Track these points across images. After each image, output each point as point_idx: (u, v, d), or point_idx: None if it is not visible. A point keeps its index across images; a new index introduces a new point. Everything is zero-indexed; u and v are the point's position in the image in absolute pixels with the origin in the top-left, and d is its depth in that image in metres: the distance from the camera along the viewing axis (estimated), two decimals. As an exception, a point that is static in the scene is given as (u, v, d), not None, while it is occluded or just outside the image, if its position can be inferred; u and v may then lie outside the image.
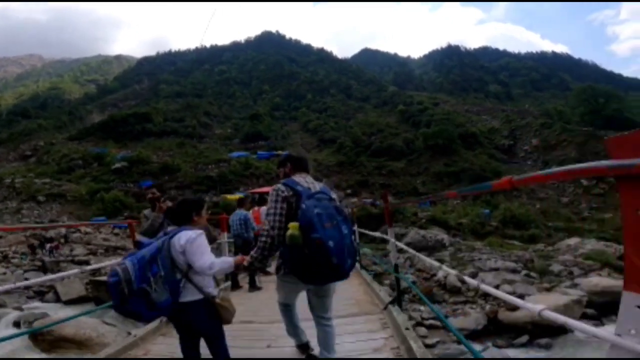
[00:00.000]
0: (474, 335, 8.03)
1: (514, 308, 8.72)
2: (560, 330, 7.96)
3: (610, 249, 14.85)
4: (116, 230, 22.78)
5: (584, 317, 8.74)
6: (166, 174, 32.54)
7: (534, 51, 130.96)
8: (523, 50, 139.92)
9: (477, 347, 7.50)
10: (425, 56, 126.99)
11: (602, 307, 9.24)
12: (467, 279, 2.16)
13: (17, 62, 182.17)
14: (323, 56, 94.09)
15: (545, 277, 11.91)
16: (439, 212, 22.78)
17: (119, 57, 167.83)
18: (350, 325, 3.29)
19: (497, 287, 10.03)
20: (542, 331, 7.94)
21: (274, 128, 49.99)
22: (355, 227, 7.37)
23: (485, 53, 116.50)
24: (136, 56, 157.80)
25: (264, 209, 6.22)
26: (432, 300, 9.91)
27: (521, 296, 9.19)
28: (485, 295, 10.11)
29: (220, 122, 55.02)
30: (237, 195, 18.94)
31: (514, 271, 12.04)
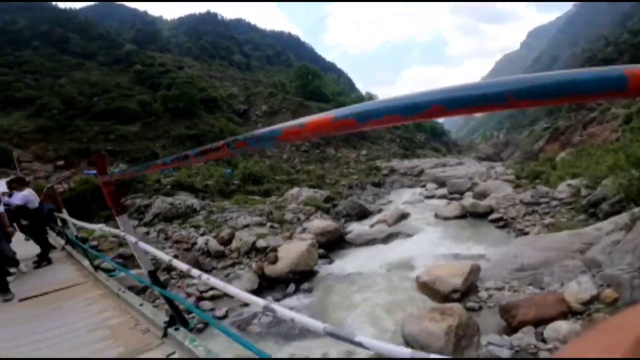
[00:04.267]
0: (253, 294, 7.99)
1: (274, 261, 9.37)
2: (310, 274, 9.34)
3: (317, 194, 18.97)
4: None
5: (320, 257, 10.25)
6: None
7: (276, 29, 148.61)
8: (269, 27, 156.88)
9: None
10: (179, 19, 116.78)
11: (326, 246, 11.26)
12: (177, 263, 1.63)
13: None
14: (31, 5, 64.92)
15: (284, 225, 13.39)
16: (183, 176, 21.73)
17: None
18: None
19: (253, 243, 10.61)
20: (301, 277, 8.95)
21: None
22: (65, 214, 5.33)
23: (238, 25, 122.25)
24: None
25: None
26: (201, 269, 9.19)
27: (275, 249, 9.93)
28: (248, 253, 10.46)
29: None
30: None
31: (261, 224, 12.98)
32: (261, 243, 10.65)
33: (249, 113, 44.20)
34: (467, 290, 6.84)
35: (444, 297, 6.69)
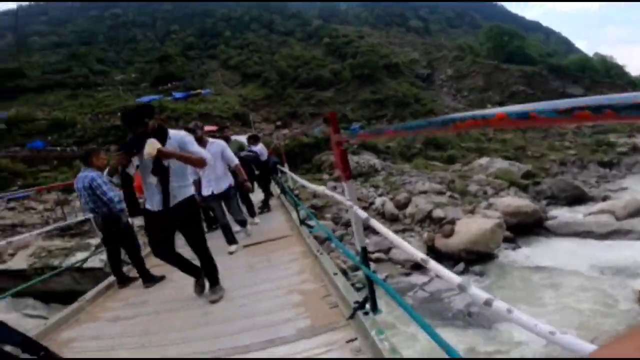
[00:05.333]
0: (418, 265, 7.95)
1: (449, 235, 8.92)
2: (487, 256, 8.58)
3: (514, 167, 16.33)
4: (11, 204, 14.93)
5: (504, 240, 9.24)
6: (58, 130, 27.42)
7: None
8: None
9: (423, 278, 7.62)
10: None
11: (515, 229, 9.90)
12: (410, 248, 1.34)
13: None
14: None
15: (465, 197, 12.47)
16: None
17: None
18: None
19: (430, 212, 10.33)
20: (475, 258, 8.47)
21: (188, 68, 44.94)
22: (286, 168, 6.31)
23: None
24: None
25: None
26: (374, 231, 9.77)
27: (452, 221, 9.47)
28: (422, 221, 10.33)
29: (121, 67, 47.72)
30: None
31: (439, 193, 12.42)
32: (438, 213, 10.22)
33: (433, 77, 41.80)
34: None
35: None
